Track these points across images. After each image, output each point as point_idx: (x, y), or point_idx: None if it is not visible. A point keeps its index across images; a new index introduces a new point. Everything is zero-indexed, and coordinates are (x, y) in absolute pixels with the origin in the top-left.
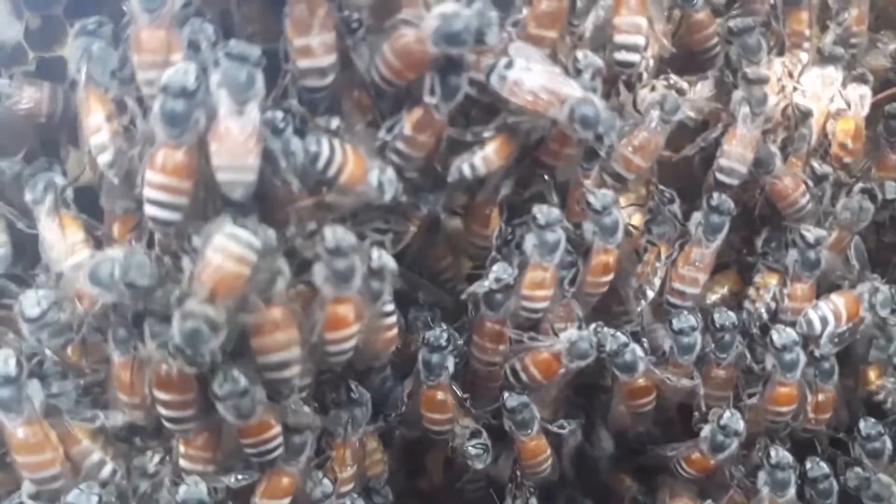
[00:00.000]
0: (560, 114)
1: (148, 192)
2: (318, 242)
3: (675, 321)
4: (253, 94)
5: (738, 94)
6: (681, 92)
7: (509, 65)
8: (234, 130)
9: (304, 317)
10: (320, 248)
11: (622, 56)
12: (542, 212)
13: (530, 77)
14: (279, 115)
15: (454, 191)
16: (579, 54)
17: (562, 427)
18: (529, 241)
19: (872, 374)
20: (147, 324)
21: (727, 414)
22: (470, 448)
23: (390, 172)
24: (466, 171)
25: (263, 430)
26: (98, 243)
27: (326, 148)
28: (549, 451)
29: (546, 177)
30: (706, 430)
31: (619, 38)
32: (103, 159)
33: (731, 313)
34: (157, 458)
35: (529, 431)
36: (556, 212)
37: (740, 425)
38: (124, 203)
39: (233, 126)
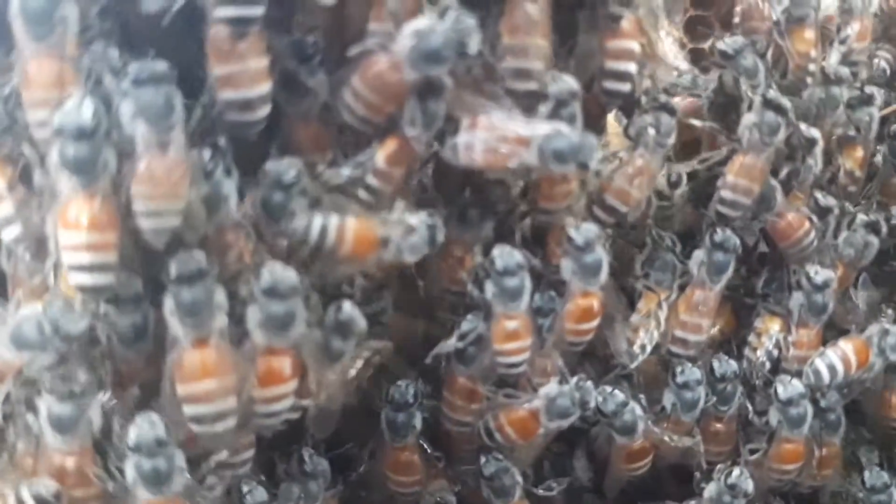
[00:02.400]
0: (530, 157)
1: (68, 258)
2: (254, 281)
3: (678, 374)
4: (175, 119)
5: (748, 118)
6: (672, 112)
7: (454, 131)
8: (159, 168)
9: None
10: (255, 287)
11: (610, 85)
12: (501, 255)
13: (480, 134)
14: (207, 153)
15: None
16: (548, 78)
17: (549, 489)
18: (489, 289)
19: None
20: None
21: (735, 472)
22: None
23: (420, 234)
24: None
25: None
26: None
27: (318, 222)
28: None
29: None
30: (711, 489)
31: (609, 65)
32: (9, 234)
33: (731, 362)
34: None
35: (510, 499)
36: (517, 256)
37: (749, 485)
38: (32, 265)
39: (157, 163)
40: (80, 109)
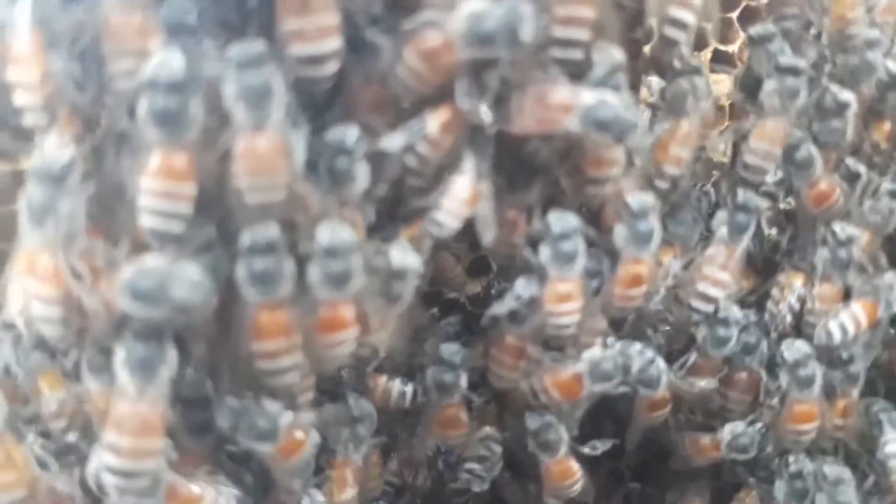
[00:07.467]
0: (573, 124)
1: (146, 202)
2: (313, 240)
3: (720, 310)
4: (276, 104)
5: (769, 85)
6: (701, 73)
7: (507, 98)
8: (258, 147)
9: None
10: (315, 246)
11: (670, 32)
12: (556, 220)
13: (529, 100)
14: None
15: None
16: (595, 50)
17: (594, 448)
18: (544, 253)
19: None
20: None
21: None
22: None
23: None
24: None
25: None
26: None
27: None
28: (578, 475)
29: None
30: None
31: (672, 12)
32: None
33: (742, 311)
34: None
35: (555, 454)
36: (572, 220)
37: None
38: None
39: (256, 143)
40: (171, 63)
